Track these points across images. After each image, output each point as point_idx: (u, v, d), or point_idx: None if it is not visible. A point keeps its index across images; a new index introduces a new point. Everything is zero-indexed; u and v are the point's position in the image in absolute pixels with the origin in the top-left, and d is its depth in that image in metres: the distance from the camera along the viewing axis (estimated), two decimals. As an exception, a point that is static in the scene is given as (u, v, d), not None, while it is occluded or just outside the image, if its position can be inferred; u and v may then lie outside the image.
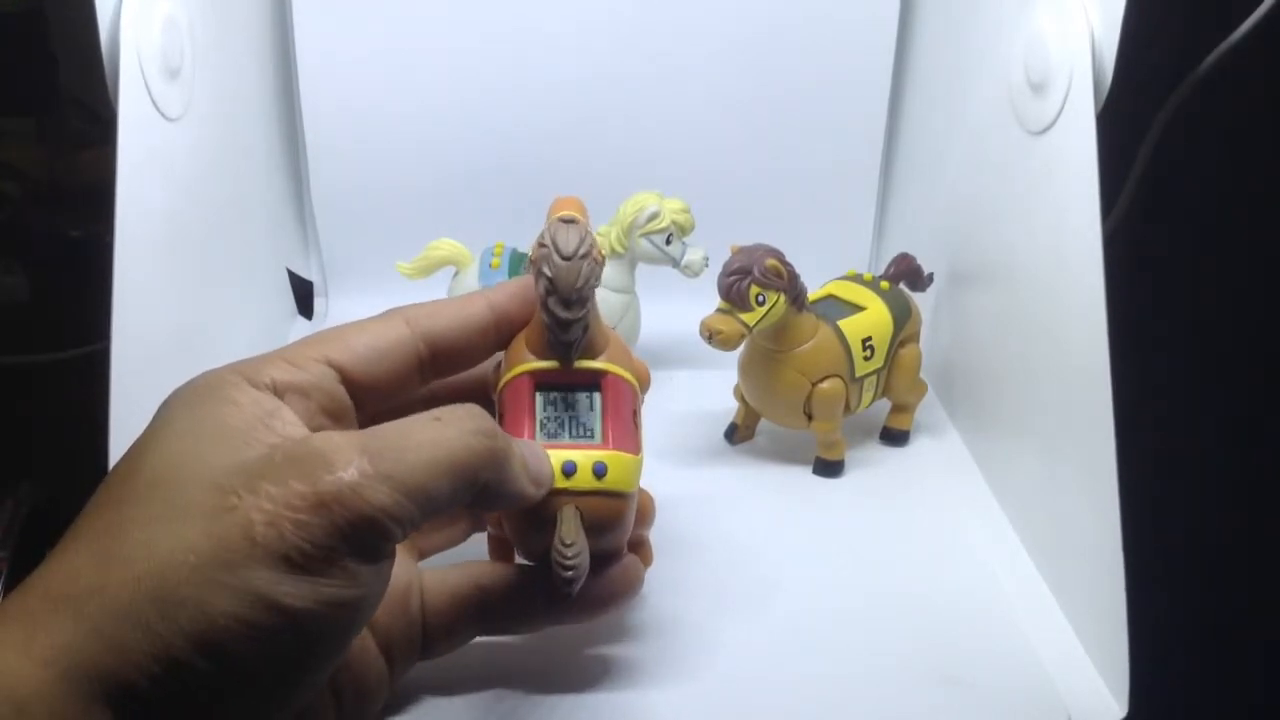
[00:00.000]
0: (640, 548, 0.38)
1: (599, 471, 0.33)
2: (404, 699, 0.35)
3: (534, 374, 0.34)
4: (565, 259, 0.33)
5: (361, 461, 0.27)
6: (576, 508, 0.33)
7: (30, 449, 0.59)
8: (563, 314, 0.33)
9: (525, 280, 0.35)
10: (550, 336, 0.34)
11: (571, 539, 0.32)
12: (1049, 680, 0.38)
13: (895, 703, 0.37)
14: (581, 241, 0.33)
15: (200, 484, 0.27)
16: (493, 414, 0.36)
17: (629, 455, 0.34)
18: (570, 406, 0.35)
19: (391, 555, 0.28)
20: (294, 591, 0.25)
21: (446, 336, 0.34)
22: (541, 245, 0.34)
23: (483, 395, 0.37)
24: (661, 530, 0.39)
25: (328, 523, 0.26)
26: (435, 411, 0.30)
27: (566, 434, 0.34)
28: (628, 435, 0.35)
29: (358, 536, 0.26)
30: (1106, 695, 0.37)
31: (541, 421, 0.34)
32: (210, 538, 0.25)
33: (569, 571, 0.32)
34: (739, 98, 0.63)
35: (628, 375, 0.35)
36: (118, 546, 0.26)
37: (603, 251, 0.34)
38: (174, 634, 0.24)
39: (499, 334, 0.35)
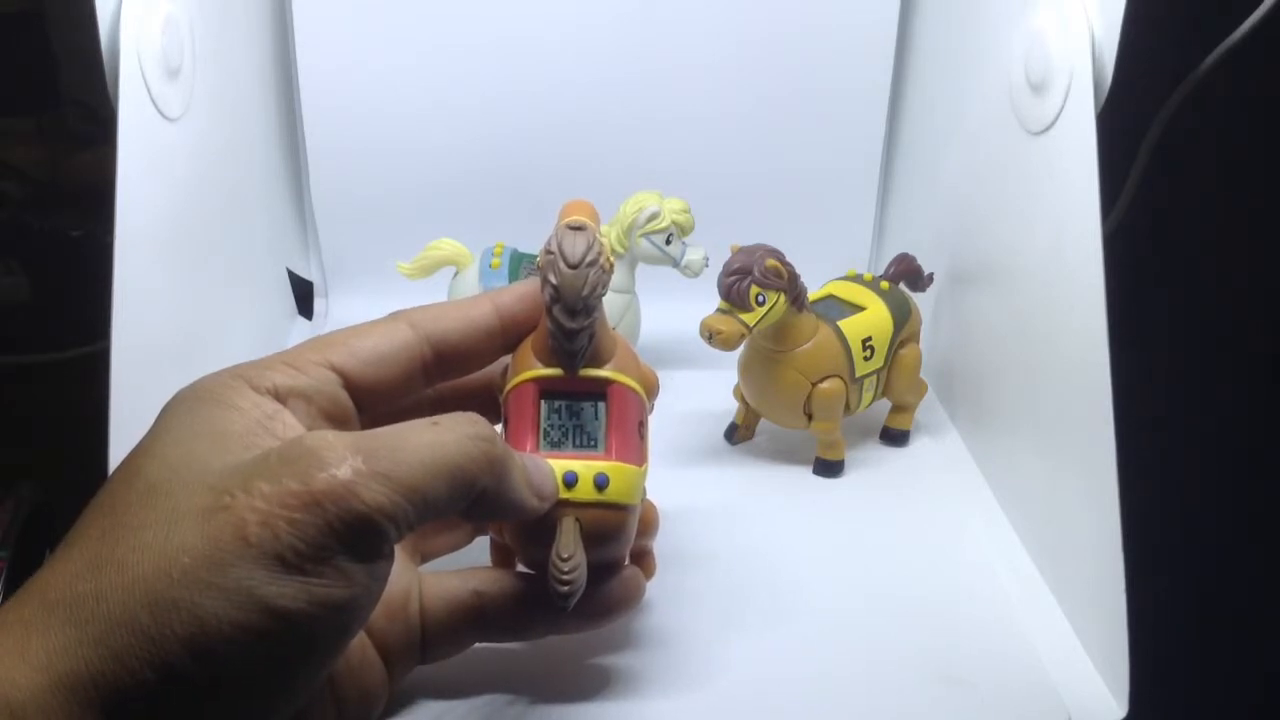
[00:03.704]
0: (643, 558, 0.38)
1: (600, 483, 0.33)
2: (405, 703, 0.35)
3: (539, 381, 0.34)
4: (571, 267, 0.33)
5: (355, 460, 0.27)
6: (576, 519, 0.33)
7: (30, 449, 0.59)
8: (568, 323, 0.33)
9: (533, 283, 0.35)
10: (555, 344, 0.33)
11: (569, 552, 0.32)
12: (1049, 680, 0.38)
13: (895, 702, 0.37)
14: (589, 249, 0.33)
15: (196, 487, 0.26)
16: (499, 418, 0.36)
17: (632, 467, 0.34)
18: (575, 415, 0.34)
19: (388, 556, 0.28)
20: (287, 592, 0.25)
21: (452, 339, 0.34)
22: (548, 252, 0.33)
23: (489, 398, 0.37)
24: (661, 531, 0.39)
25: (321, 521, 0.26)
26: (434, 418, 0.29)
27: (570, 443, 0.34)
28: (631, 446, 0.34)
29: (352, 535, 0.26)
30: (1106, 695, 0.37)
31: (545, 430, 0.34)
32: (203, 538, 0.25)
33: (565, 586, 0.32)
34: (739, 97, 0.63)
35: (634, 384, 0.35)
36: (113, 551, 0.26)
37: (611, 259, 0.34)
38: (167, 639, 0.24)
39: (505, 337, 0.35)
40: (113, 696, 0.24)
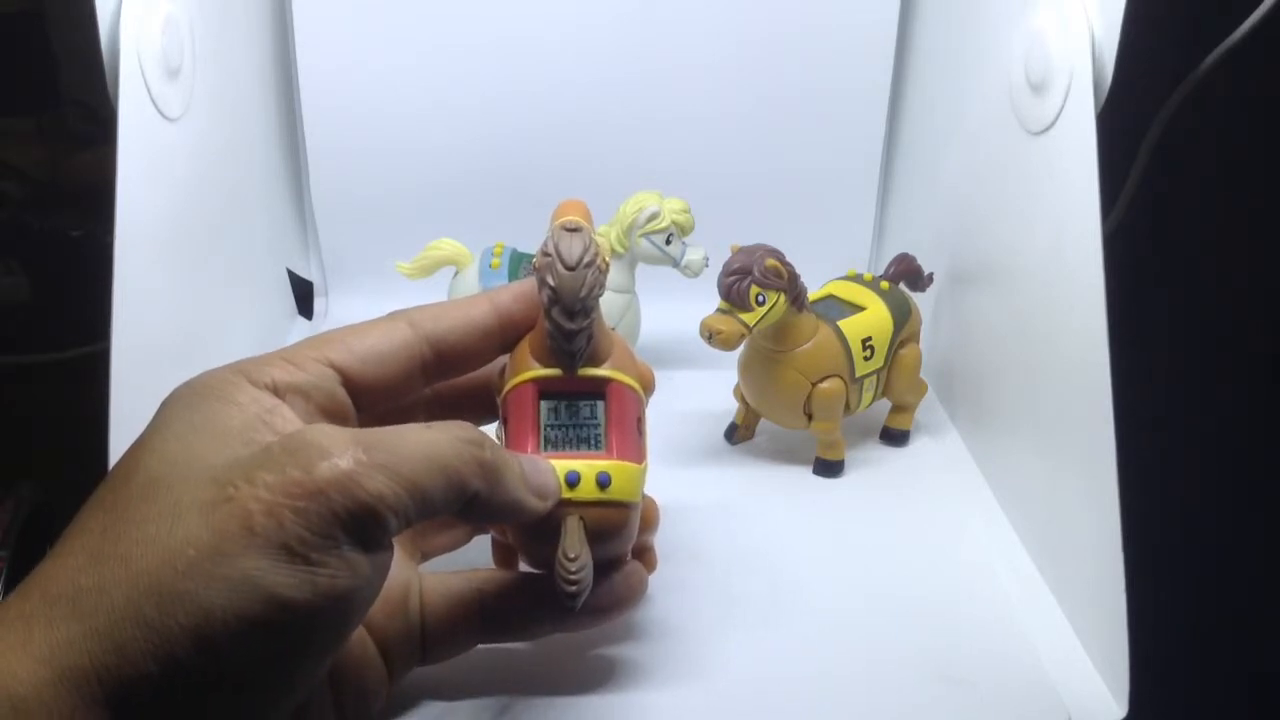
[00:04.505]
0: (644, 554, 0.38)
1: (603, 481, 0.33)
2: (404, 701, 0.35)
3: (538, 382, 0.34)
4: (569, 268, 0.33)
5: (357, 451, 0.27)
6: (581, 518, 0.33)
7: (30, 449, 0.59)
8: (566, 324, 0.33)
9: (530, 282, 0.35)
10: (554, 345, 0.34)
11: (575, 552, 0.32)
12: (1049, 680, 0.38)
13: (895, 702, 0.37)
14: (585, 250, 0.33)
15: (198, 480, 0.27)
16: (497, 417, 0.36)
17: (633, 464, 0.34)
18: (574, 415, 0.34)
19: (389, 548, 0.28)
20: (292, 582, 0.25)
21: (450, 339, 0.34)
22: (545, 254, 0.33)
23: (487, 397, 0.37)
24: (661, 530, 0.39)
25: (326, 509, 0.26)
26: (426, 424, 0.30)
27: (570, 443, 0.34)
28: (632, 444, 0.35)
29: (355, 524, 0.26)
30: (1106, 695, 0.37)
31: (545, 430, 0.34)
32: (209, 530, 0.25)
33: (572, 586, 0.32)
34: (739, 97, 0.63)
35: (632, 382, 0.35)
36: (115, 546, 0.26)
37: (606, 259, 0.34)
38: (172, 630, 0.24)
39: (504, 336, 0.35)
40: (116, 690, 0.24)
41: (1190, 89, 0.52)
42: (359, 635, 0.32)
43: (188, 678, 0.25)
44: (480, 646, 0.36)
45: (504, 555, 0.38)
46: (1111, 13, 0.40)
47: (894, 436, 0.53)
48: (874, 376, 0.50)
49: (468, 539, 0.39)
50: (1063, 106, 0.43)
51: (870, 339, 0.50)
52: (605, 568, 0.34)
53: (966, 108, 0.54)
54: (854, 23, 0.61)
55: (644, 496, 0.36)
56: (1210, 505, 0.61)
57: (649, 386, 0.37)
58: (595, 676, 0.37)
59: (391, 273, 0.57)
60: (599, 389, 0.34)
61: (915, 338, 0.53)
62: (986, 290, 0.52)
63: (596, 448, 0.34)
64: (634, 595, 0.36)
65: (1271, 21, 0.49)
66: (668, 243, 0.54)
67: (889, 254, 0.56)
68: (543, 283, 0.33)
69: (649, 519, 0.38)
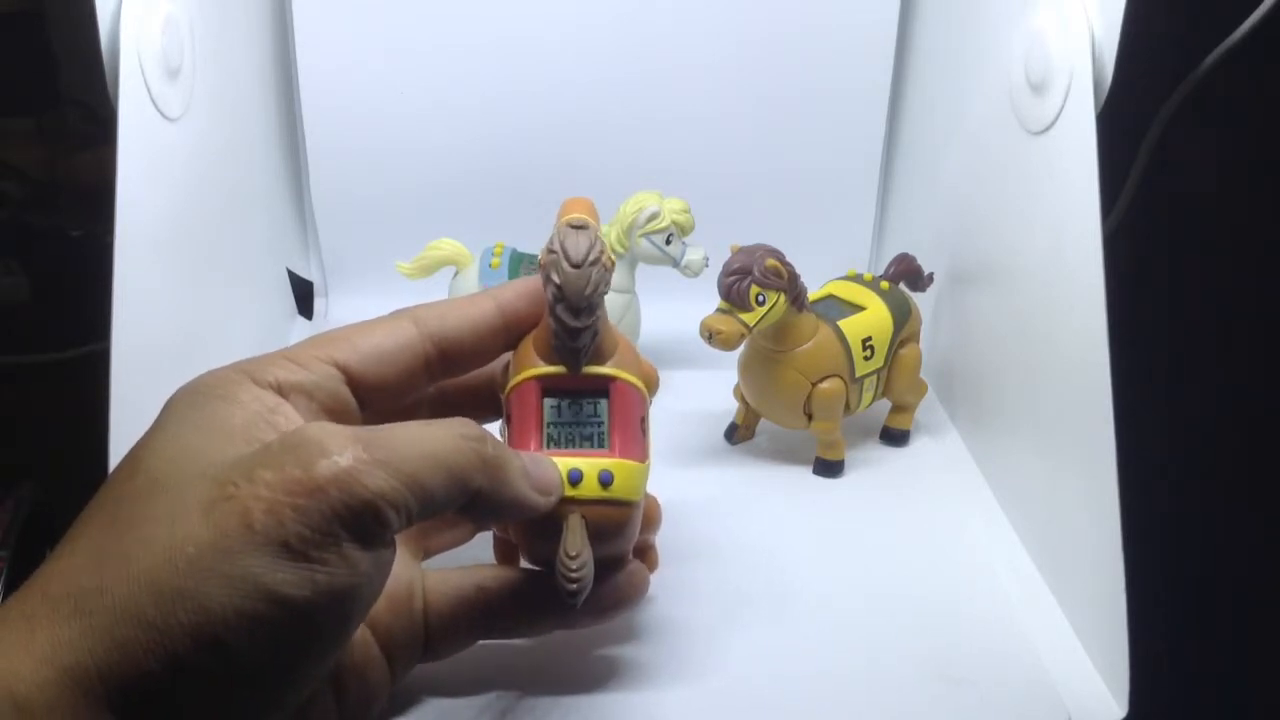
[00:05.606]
0: (646, 553, 0.38)
1: (605, 480, 0.33)
2: (406, 699, 0.35)
3: (541, 379, 0.34)
4: (575, 266, 0.33)
5: (356, 448, 0.27)
6: (582, 516, 0.33)
7: (30, 449, 0.59)
8: (572, 322, 0.33)
9: (534, 280, 0.35)
10: (558, 343, 0.34)
11: (576, 549, 0.32)
12: (1049, 680, 0.38)
13: (895, 701, 0.37)
14: (591, 248, 0.33)
15: (198, 480, 0.27)
16: (500, 415, 0.36)
17: (635, 463, 0.34)
18: (577, 413, 0.34)
19: (391, 545, 0.28)
20: (292, 580, 0.25)
21: (454, 337, 0.34)
22: (550, 251, 0.33)
23: (490, 394, 0.37)
24: (661, 530, 0.39)
25: (325, 507, 0.26)
26: (426, 420, 0.30)
27: (574, 441, 0.34)
28: (635, 443, 0.35)
29: (356, 520, 0.26)
30: (1106, 695, 0.37)
31: (548, 427, 0.34)
32: (209, 527, 0.25)
33: (574, 584, 0.32)
34: (739, 97, 0.63)
35: (636, 381, 0.35)
36: (117, 545, 0.26)
37: (612, 257, 0.34)
38: (173, 629, 0.24)
39: (508, 334, 0.35)
40: (119, 689, 0.24)
41: (1190, 89, 0.52)
42: (362, 634, 0.32)
43: (189, 676, 0.25)
44: (482, 644, 0.36)
45: (506, 551, 0.38)
46: (1111, 13, 0.40)
47: (894, 436, 0.53)
48: (874, 376, 0.50)
49: (470, 536, 0.39)
50: (1063, 106, 0.43)
51: (870, 339, 0.50)
52: (607, 566, 0.34)
53: (966, 108, 0.54)
54: (854, 23, 0.61)
55: (646, 495, 0.36)
56: (1209, 505, 0.61)
57: (653, 385, 0.37)
58: (596, 675, 0.37)
59: (392, 273, 0.57)
60: (603, 387, 0.34)
61: (915, 338, 0.53)
62: (986, 290, 0.52)
63: (599, 446, 0.34)
64: (636, 594, 0.36)
65: (1271, 21, 0.49)
66: (668, 243, 0.54)
67: (889, 254, 0.56)
68: (548, 280, 0.33)
69: (651, 518, 0.38)
